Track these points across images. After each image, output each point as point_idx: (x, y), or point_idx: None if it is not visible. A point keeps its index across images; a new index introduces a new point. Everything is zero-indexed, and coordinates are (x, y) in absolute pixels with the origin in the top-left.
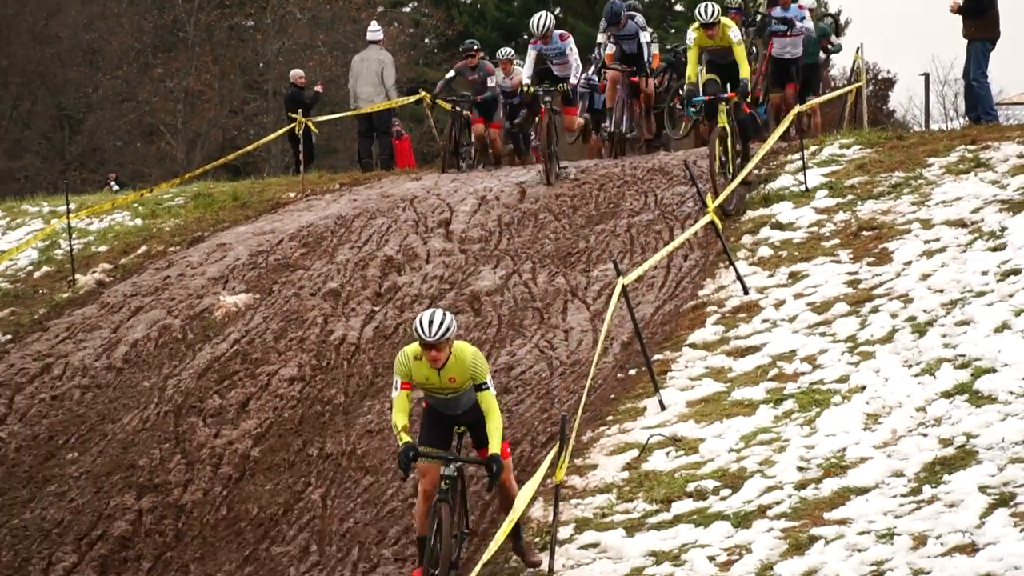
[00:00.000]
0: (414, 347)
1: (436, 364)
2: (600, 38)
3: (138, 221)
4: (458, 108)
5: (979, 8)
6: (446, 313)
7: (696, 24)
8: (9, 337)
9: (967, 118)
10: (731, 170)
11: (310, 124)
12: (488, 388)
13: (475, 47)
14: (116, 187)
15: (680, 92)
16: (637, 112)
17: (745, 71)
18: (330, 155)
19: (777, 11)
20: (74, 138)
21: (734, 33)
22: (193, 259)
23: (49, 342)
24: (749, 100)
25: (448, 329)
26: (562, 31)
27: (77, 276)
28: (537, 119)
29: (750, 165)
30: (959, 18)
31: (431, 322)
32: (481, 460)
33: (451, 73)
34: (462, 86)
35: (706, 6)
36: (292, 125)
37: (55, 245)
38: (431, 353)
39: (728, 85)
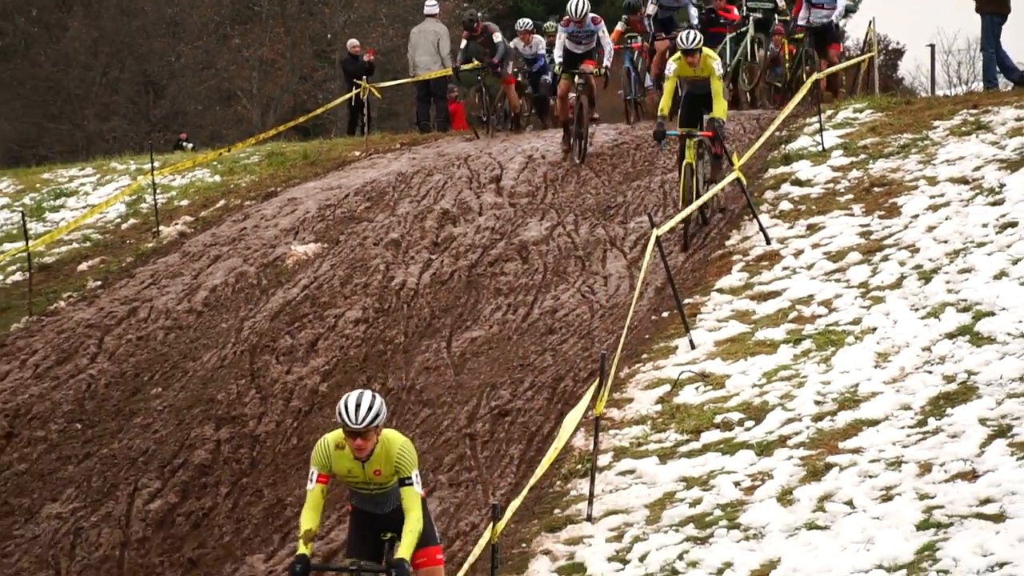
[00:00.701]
0: (336, 435)
1: (361, 454)
2: (649, 9)
3: (217, 178)
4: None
5: None
6: (375, 396)
7: (677, 54)
8: (99, 283)
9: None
10: (698, 216)
11: (373, 90)
12: (412, 484)
13: (474, 23)
14: (188, 145)
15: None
16: None
17: (720, 109)
18: (391, 118)
19: None
20: (158, 102)
21: (717, 66)
22: (267, 212)
23: (135, 288)
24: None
25: (377, 415)
26: (595, 15)
27: (161, 228)
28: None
29: (715, 188)
30: None
31: (358, 406)
32: (377, 568)
33: (463, 43)
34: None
35: (688, 33)
36: (357, 91)
37: (141, 200)
38: (356, 442)
39: (700, 124)
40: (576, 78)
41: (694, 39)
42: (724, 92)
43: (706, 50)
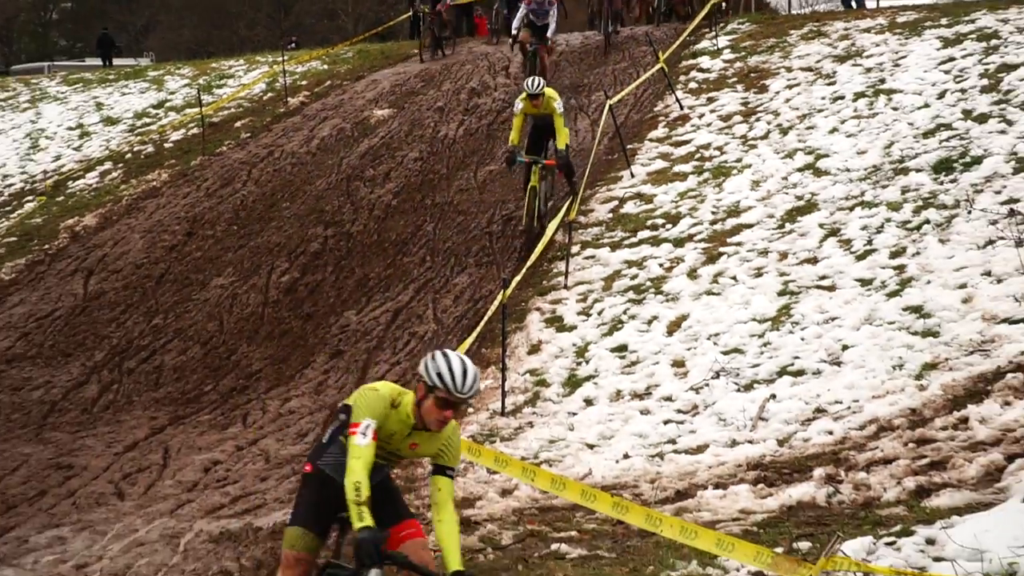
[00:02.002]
0: (392, 389)
1: (442, 427)
2: None
3: (325, 67)
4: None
5: None
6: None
7: (524, 95)
8: (248, 135)
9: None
10: (538, 225)
11: (424, 8)
12: (455, 476)
13: None
14: (293, 46)
15: None
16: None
17: (563, 141)
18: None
19: None
20: (286, 17)
21: (558, 105)
22: (357, 88)
23: (272, 137)
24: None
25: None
26: None
27: (288, 99)
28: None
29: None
30: None
31: (465, 372)
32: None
33: None
34: None
35: (533, 80)
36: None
37: (275, 80)
38: (446, 412)
39: (546, 152)
40: (530, 48)
41: (537, 85)
42: (565, 122)
43: (548, 91)
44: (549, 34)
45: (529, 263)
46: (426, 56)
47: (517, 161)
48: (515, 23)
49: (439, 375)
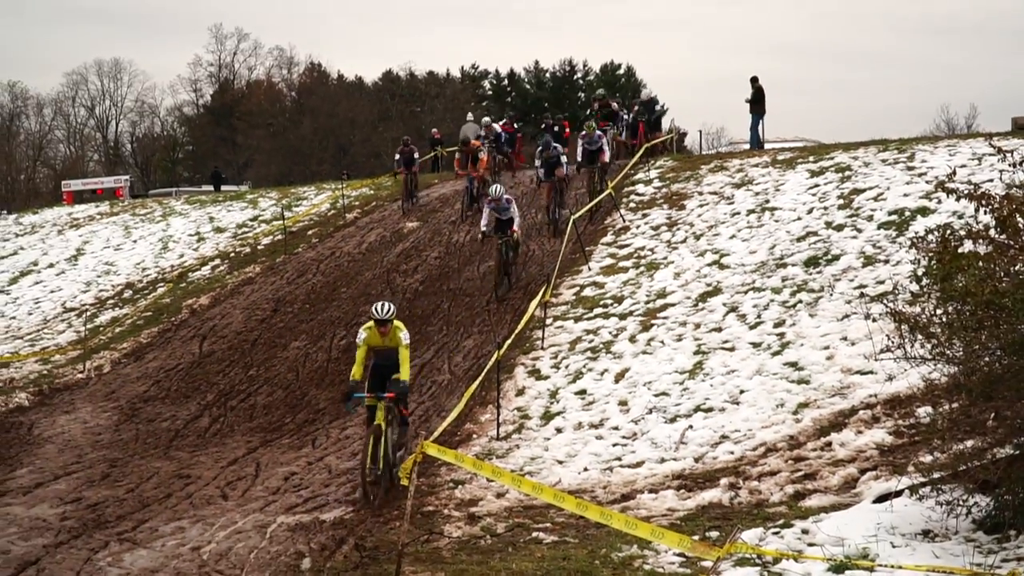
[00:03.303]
0: (369, 324)
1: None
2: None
3: (371, 191)
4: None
5: (757, 98)
6: (391, 304)
7: (370, 323)
8: (317, 240)
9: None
10: (380, 467)
11: (443, 151)
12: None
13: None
14: (346, 176)
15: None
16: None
17: (405, 374)
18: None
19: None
20: (345, 157)
21: (404, 336)
22: (394, 207)
23: (333, 242)
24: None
25: (393, 313)
26: (508, 196)
27: (346, 214)
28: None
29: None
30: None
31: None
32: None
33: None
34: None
35: (383, 304)
36: (436, 152)
37: (337, 201)
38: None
39: (388, 385)
40: (500, 239)
41: (387, 309)
42: (409, 358)
43: (396, 323)
44: (515, 227)
45: (516, 331)
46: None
47: (353, 397)
48: (483, 224)
49: (373, 311)
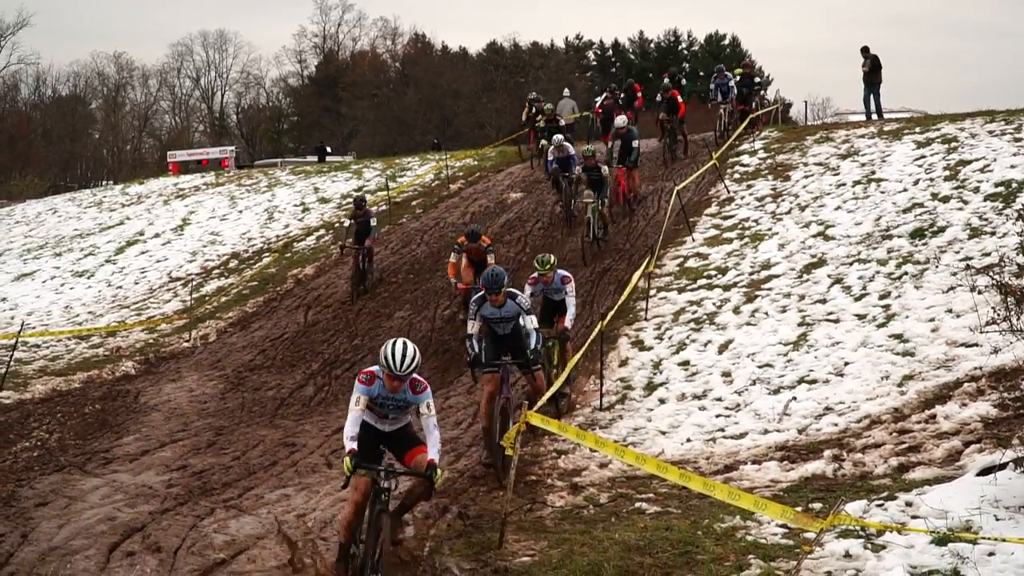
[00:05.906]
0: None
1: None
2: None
3: (475, 162)
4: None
5: (875, 67)
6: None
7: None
8: (421, 211)
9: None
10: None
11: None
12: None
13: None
14: (436, 142)
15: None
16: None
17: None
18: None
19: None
20: (449, 127)
21: (524, 300)
22: (498, 178)
23: (438, 212)
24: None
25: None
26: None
27: (450, 185)
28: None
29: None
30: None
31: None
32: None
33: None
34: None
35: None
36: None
37: (440, 172)
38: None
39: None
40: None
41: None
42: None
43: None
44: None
45: (620, 302)
46: (534, 163)
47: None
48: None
49: (384, 357)
